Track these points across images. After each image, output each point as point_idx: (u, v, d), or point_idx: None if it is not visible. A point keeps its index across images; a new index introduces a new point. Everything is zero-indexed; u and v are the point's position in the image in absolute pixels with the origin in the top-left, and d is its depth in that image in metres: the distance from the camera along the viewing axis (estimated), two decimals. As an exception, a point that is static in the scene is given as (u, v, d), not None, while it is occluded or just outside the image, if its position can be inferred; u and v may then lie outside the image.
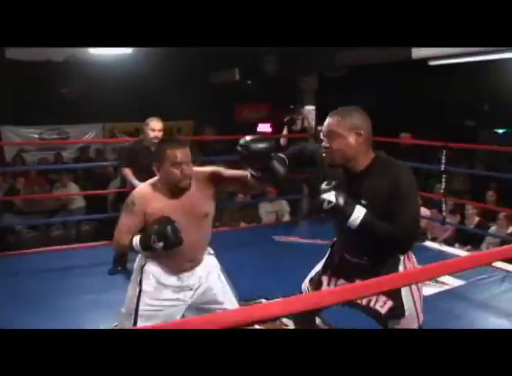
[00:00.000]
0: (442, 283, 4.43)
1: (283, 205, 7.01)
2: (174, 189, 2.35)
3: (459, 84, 10.02)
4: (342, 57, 6.34)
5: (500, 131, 13.71)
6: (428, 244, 5.78)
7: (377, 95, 10.28)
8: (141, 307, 2.44)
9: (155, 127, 4.26)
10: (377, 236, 2.03)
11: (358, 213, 2.01)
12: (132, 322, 2.43)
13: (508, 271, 4.76)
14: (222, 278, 2.64)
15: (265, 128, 11.40)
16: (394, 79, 9.29)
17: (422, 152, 8.36)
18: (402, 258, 2.19)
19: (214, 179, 2.45)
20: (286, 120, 6.49)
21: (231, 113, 12.13)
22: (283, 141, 6.46)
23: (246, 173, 2.36)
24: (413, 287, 2.13)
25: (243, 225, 6.79)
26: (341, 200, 2.02)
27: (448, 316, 3.74)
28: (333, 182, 2.08)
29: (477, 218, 6.12)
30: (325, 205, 2.04)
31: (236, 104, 12.14)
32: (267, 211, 6.95)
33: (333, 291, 1.11)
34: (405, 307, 2.17)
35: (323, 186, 2.09)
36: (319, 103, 6.65)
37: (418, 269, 1.21)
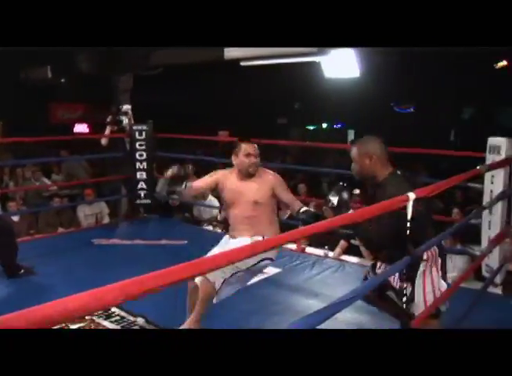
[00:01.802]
0: (262, 272, 4.65)
1: (102, 207, 6.81)
2: (243, 174, 3.35)
3: (272, 85, 10.59)
4: (157, 56, 6.32)
5: (311, 127, 14.85)
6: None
7: (194, 95, 10.49)
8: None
9: None
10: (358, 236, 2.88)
11: None
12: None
13: (318, 256, 5.17)
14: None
15: (81, 128, 10.98)
16: (209, 79, 9.51)
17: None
18: (422, 263, 2.58)
19: (272, 187, 3.33)
20: (108, 120, 6.30)
21: (45, 113, 11.46)
22: (104, 141, 6.26)
23: (296, 207, 3.28)
24: (427, 279, 2.59)
25: (61, 230, 6.45)
26: (336, 202, 2.62)
27: (267, 303, 3.96)
28: (340, 188, 2.68)
29: (289, 211, 6.51)
30: (328, 204, 2.65)
31: (51, 104, 11.50)
32: (86, 214, 6.69)
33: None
34: (415, 294, 2.54)
35: (333, 190, 2.70)
36: (135, 102, 6.56)
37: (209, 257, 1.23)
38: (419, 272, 2.58)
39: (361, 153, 2.78)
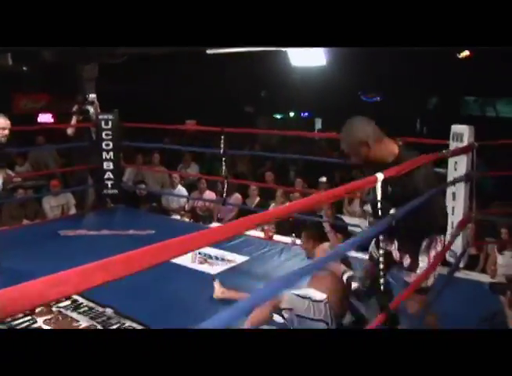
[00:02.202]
0: (229, 260, 4.68)
1: (69, 198, 6.70)
2: None
3: (239, 73, 10.56)
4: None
5: (278, 116, 14.88)
6: (215, 224, 6.05)
7: (159, 83, 10.39)
8: None
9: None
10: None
11: None
12: None
13: (286, 243, 5.21)
14: None
15: (46, 118, 10.78)
16: (175, 67, 9.44)
17: (208, 137, 8.67)
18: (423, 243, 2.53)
19: None
20: (74, 110, 6.19)
21: (8, 103, 11.18)
22: (70, 131, 6.16)
23: None
24: (430, 256, 2.54)
25: (26, 222, 6.33)
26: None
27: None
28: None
29: (258, 198, 6.55)
30: None
31: (14, 93, 11.23)
32: (52, 205, 6.58)
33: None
34: (419, 266, 2.54)
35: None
36: (100, 91, 6.46)
37: (175, 240, 1.22)
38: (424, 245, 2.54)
39: (354, 145, 2.45)
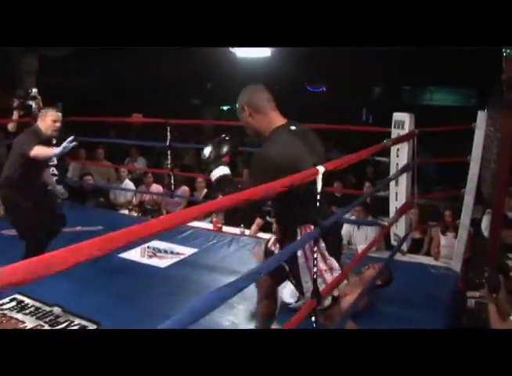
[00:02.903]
0: (178, 253, 4.66)
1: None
2: None
3: (184, 65, 10.46)
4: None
5: (225, 107, 14.83)
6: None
7: (105, 76, 10.18)
8: None
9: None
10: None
11: (219, 171, 2.24)
12: None
13: (235, 234, 5.23)
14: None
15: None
16: (119, 58, 9.26)
17: (155, 131, 8.57)
18: (298, 230, 2.30)
19: None
20: (15, 104, 5.97)
21: None
22: (11, 127, 5.94)
23: None
24: (312, 272, 2.14)
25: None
26: (210, 156, 2.28)
27: (184, 283, 3.97)
28: (219, 140, 2.33)
29: (205, 190, 6.53)
30: (202, 156, 2.32)
31: None
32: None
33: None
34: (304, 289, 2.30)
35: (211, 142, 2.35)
36: (41, 85, 6.28)
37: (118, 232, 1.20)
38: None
39: (238, 109, 2.39)
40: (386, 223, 4.67)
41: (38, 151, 3.78)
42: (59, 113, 4.09)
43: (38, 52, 6.23)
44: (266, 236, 5.29)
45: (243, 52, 6.20)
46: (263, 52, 6.09)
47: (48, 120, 3.99)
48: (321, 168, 2.00)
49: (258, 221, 5.35)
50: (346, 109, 12.17)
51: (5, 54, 6.33)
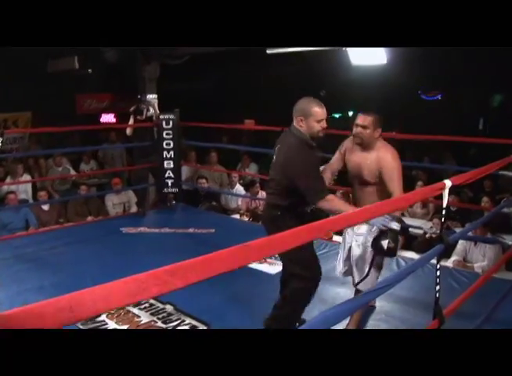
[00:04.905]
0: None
1: (130, 196, 6.86)
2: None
3: (298, 72, 10.50)
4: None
5: (336, 115, 14.73)
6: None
7: (219, 83, 10.45)
8: None
9: None
10: None
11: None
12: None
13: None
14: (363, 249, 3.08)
15: (108, 118, 11.06)
16: (235, 67, 9.48)
17: (266, 137, 8.66)
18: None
19: (379, 166, 3.01)
20: (132, 110, 6.32)
21: (72, 103, 11.54)
22: (129, 131, 6.30)
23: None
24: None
25: (89, 219, 6.53)
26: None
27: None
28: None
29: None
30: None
31: (78, 94, 11.58)
32: (114, 203, 6.76)
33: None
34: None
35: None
36: (161, 91, 6.58)
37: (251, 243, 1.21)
38: None
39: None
40: (508, 242, 4.38)
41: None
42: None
43: (161, 61, 6.52)
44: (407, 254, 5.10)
45: (358, 60, 6.07)
46: (378, 60, 5.92)
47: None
48: (448, 183, 1.95)
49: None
50: (462, 117, 11.61)
51: (129, 63, 6.71)
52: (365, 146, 3.07)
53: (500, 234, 4.87)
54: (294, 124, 2.91)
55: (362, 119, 3.05)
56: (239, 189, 7.19)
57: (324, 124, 2.87)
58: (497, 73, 9.91)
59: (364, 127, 3.03)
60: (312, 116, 2.84)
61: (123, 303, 1.01)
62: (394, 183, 2.92)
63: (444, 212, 2.02)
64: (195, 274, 1.11)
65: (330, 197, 2.72)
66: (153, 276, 1.03)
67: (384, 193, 2.97)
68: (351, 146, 3.22)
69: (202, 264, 1.13)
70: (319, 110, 2.85)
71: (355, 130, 3.06)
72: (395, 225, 2.56)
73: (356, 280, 3.18)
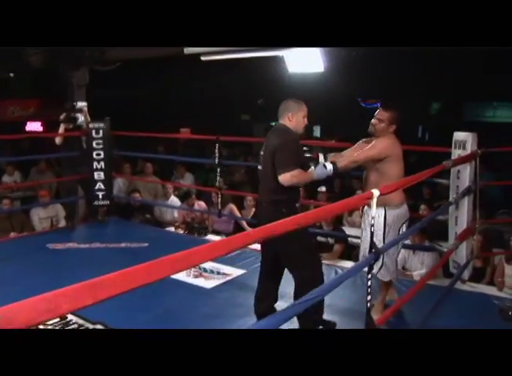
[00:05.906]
0: (225, 274, 4.50)
1: (58, 210, 6.47)
2: None
3: (235, 80, 10.42)
4: (114, 51, 6.08)
5: (274, 124, 14.78)
6: (210, 237, 5.85)
7: (153, 90, 10.23)
8: None
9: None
10: None
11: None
12: None
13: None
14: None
15: (35, 126, 10.54)
16: (170, 74, 9.29)
17: (202, 147, 8.50)
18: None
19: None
20: (62, 117, 5.98)
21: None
22: (58, 140, 5.93)
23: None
24: None
25: (12, 235, 6.08)
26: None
27: (229, 305, 3.83)
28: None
29: (253, 209, 6.31)
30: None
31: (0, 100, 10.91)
32: (41, 217, 6.35)
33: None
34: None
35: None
36: (92, 98, 6.31)
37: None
38: None
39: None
40: (444, 249, 4.40)
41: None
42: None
43: (90, 66, 6.26)
44: (346, 263, 5.03)
45: (295, 68, 6.01)
46: (316, 67, 5.88)
47: None
48: (376, 192, 1.95)
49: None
50: (401, 125, 11.85)
51: (57, 68, 6.40)
52: (376, 136, 3.42)
53: (437, 241, 4.90)
54: (281, 122, 3.21)
55: (379, 113, 3.41)
56: (174, 200, 6.95)
57: (306, 120, 3.24)
58: (434, 81, 10.17)
59: (380, 120, 3.38)
60: (301, 111, 3.21)
61: (29, 323, 0.98)
62: (362, 151, 3.36)
63: (373, 222, 2.04)
64: (106, 290, 1.09)
65: (296, 172, 3.03)
66: (62, 294, 1.02)
67: (384, 175, 3.34)
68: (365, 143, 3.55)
69: (113, 280, 1.11)
70: (305, 107, 3.24)
71: (373, 120, 3.41)
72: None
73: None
